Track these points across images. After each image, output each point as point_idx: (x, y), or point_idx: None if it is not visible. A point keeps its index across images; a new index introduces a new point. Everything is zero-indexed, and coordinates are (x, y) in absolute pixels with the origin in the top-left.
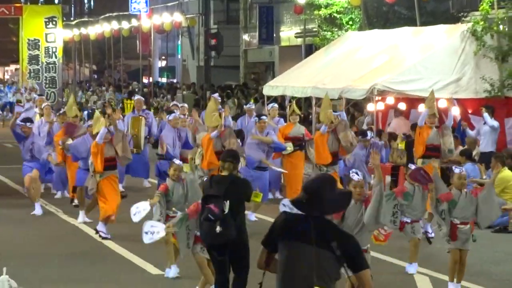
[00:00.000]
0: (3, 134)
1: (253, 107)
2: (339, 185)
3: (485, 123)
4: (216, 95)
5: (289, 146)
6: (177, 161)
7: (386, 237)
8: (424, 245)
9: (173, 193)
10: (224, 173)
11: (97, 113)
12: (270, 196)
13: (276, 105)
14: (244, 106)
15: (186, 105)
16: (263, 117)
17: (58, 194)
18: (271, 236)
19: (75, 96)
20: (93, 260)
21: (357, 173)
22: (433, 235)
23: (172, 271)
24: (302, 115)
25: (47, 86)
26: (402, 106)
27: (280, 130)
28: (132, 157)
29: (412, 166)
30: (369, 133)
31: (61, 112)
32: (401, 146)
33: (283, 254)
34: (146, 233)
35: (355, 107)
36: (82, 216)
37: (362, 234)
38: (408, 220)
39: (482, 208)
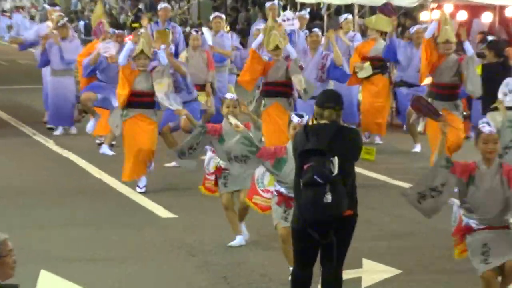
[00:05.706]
0: None
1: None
2: None
3: None
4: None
5: (367, 67)
6: None
7: None
8: None
9: None
10: (324, 121)
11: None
12: None
13: (351, 16)
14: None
15: None
16: (315, 29)
17: (59, 131)
18: None
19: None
20: (92, 200)
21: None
22: None
23: (238, 240)
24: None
25: None
26: (463, 15)
27: (357, 49)
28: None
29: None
30: None
31: (59, 24)
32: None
33: None
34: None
35: (406, 17)
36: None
37: None
38: None
39: None
